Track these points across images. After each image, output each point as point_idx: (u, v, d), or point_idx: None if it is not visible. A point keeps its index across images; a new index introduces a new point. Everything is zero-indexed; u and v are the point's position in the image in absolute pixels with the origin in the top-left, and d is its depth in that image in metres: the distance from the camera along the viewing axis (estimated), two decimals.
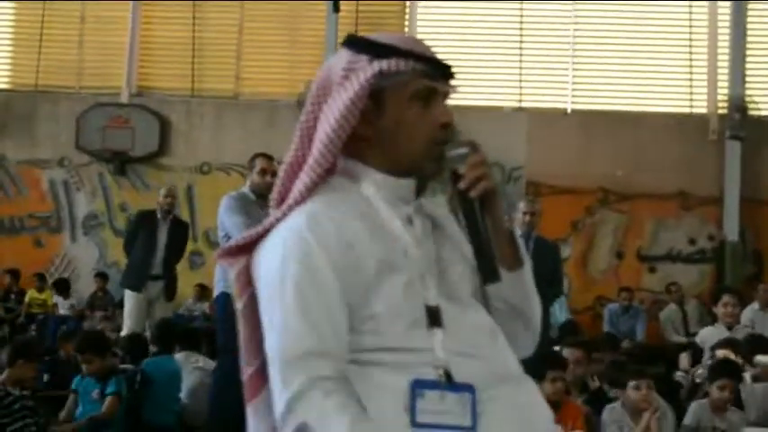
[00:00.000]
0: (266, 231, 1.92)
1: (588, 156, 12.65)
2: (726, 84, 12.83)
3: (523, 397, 1.90)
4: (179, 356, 6.94)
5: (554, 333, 8.23)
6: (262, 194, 5.90)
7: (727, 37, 12.87)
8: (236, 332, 1.98)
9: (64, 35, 13.68)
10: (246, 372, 1.95)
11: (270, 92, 13.28)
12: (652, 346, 9.47)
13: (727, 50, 12.85)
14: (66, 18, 13.67)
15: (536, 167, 12.71)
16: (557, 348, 6.59)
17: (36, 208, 13.36)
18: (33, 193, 13.37)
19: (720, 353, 6.53)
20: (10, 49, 14.01)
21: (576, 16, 13.30)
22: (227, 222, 5.96)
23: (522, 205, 7.66)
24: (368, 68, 1.88)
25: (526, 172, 12.77)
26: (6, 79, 13.92)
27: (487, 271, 1.89)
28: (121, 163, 13.07)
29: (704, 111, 13.01)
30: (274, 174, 5.87)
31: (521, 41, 13.19)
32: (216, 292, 6.21)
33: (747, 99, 12.74)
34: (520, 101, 13.18)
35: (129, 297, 8.82)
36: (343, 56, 1.94)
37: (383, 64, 1.88)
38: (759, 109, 12.90)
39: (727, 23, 12.88)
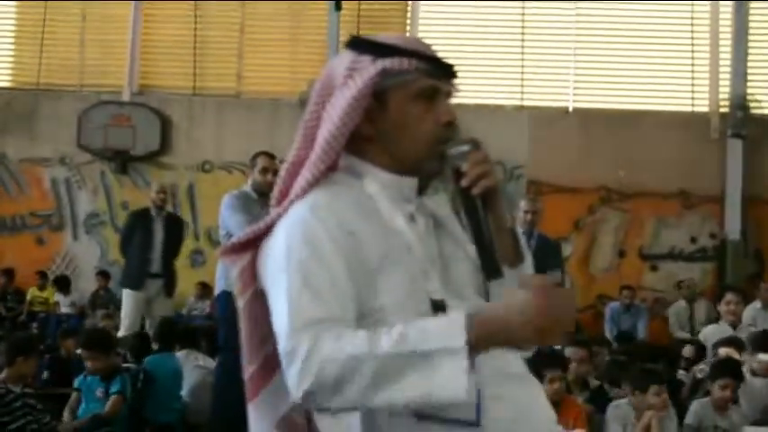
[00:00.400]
0: (269, 227, 1.93)
1: (590, 154, 12.65)
2: (727, 82, 12.83)
3: (527, 397, 1.93)
4: (180, 355, 6.95)
5: None
6: (263, 193, 5.90)
7: (728, 35, 12.87)
8: (237, 330, 1.99)
9: (65, 33, 13.68)
10: (248, 370, 1.96)
11: (271, 90, 13.28)
12: (654, 344, 9.45)
13: (728, 49, 12.85)
14: (67, 16, 13.66)
15: (537, 166, 12.71)
16: (558, 347, 6.59)
17: (38, 206, 13.36)
18: (35, 192, 13.37)
19: (723, 351, 6.53)
20: (12, 47, 14.02)
21: (578, 15, 13.28)
22: (228, 221, 5.97)
23: (523, 204, 7.67)
24: (371, 67, 1.90)
25: (527, 171, 12.76)
26: (8, 77, 13.93)
27: (490, 268, 1.89)
28: (123, 161, 13.07)
29: (706, 109, 13.00)
30: (276, 172, 5.87)
31: (522, 40, 13.18)
32: (217, 291, 6.22)
33: (749, 97, 12.74)
34: (521, 99, 13.17)
35: (128, 296, 8.82)
36: (347, 56, 1.95)
37: (386, 62, 1.89)
38: (761, 107, 12.89)
39: (729, 22, 12.89)
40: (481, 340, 1.68)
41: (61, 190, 13.34)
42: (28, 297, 12.52)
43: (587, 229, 12.83)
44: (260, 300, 1.94)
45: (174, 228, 9.16)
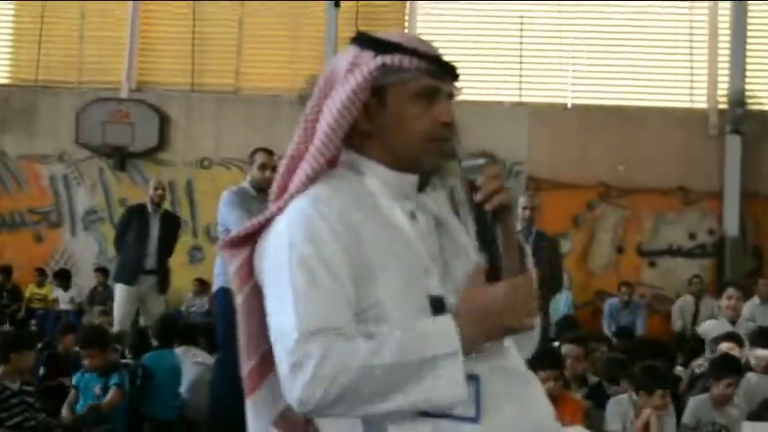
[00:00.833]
0: (268, 221, 1.93)
1: (588, 151, 12.65)
2: (726, 78, 12.83)
3: (527, 393, 1.93)
4: (178, 351, 6.94)
5: (552, 332, 8.23)
6: (262, 189, 5.90)
7: (727, 31, 12.87)
8: (235, 327, 1.98)
9: (64, 30, 13.66)
10: (246, 366, 1.96)
11: (270, 87, 13.27)
12: (653, 341, 9.45)
13: (727, 45, 12.85)
14: (66, 13, 13.64)
15: (536, 162, 12.71)
16: (555, 344, 6.60)
17: (36, 203, 13.36)
18: (33, 188, 13.37)
19: (723, 346, 6.53)
20: (10, 43, 14.00)
21: (577, 11, 13.28)
22: (227, 217, 5.97)
23: (521, 200, 7.69)
24: (371, 62, 1.90)
25: (526, 167, 12.76)
26: (6, 74, 13.91)
27: (495, 280, 1.89)
28: (121, 158, 13.07)
29: (704, 105, 13.00)
30: (274, 169, 5.86)
31: (521, 36, 13.17)
32: (215, 287, 6.22)
33: (748, 94, 12.74)
34: (520, 96, 13.16)
35: (121, 290, 8.81)
36: (350, 51, 1.96)
37: (387, 59, 1.90)
38: (759, 104, 12.89)
39: (728, 18, 12.88)
40: (469, 335, 1.76)
41: (59, 186, 13.34)
42: (26, 294, 12.51)
43: (586, 225, 12.84)
44: (258, 296, 1.93)
45: (170, 225, 9.15)
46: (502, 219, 1.91)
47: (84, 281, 12.80)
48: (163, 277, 8.91)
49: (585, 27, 13.31)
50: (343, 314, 1.78)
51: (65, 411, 5.98)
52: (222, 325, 5.98)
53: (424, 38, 2.05)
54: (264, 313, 1.89)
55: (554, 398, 4.84)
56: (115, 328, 8.41)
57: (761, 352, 6.28)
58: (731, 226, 12.48)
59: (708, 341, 7.32)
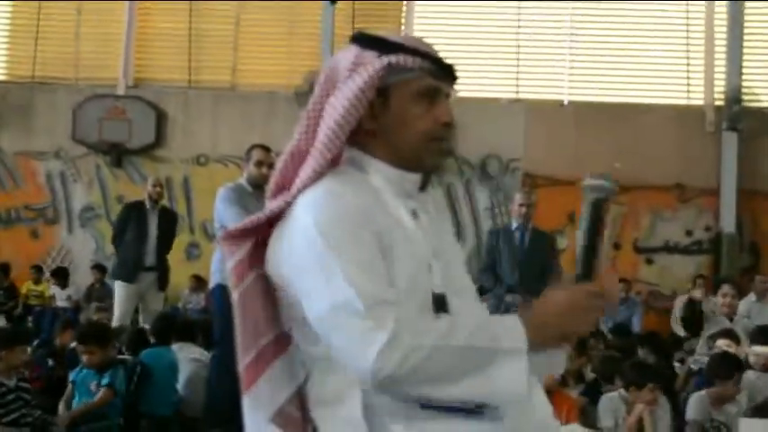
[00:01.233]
0: (274, 216, 1.94)
1: (585, 147, 12.64)
2: (723, 75, 12.84)
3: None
4: (175, 348, 6.94)
5: None
6: (258, 186, 5.90)
7: (723, 28, 12.88)
8: (232, 323, 1.98)
9: (61, 26, 13.65)
10: (242, 362, 1.96)
11: (267, 83, 13.26)
12: (650, 336, 9.45)
13: (724, 42, 12.86)
14: (62, 9, 13.63)
15: (533, 159, 12.72)
16: None
17: (32, 200, 13.35)
18: (30, 185, 13.36)
19: (721, 342, 6.54)
20: (7, 40, 13.98)
21: (573, 8, 13.28)
22: (223, 213, 5.97)
23: (518, 197, 7.71)
24: (377, 62, 1.93)
25: (523, 164, 12.77)
26: (3, 70, 13.90)
27: (587, 273, 1.92)
28: (118, 155, 13.06)
29: (701, 102, 13.01)
30: (271, 165, 5.88)
31: (518, 33, 13.18)
32: (212, 284, 6.22)
33: (744, 90, 12.74)
34: (517, 93, 13.17)
35: (121, 288, 8.80)
36: (352, 50, 1.98)
37: (392, 58, 1.93)
38: (756, 100, 12.90)
39: (724, 15, 12.89)
40: (535, 338, 1.77)
41: (56, 183, 13.33)
42: (23, 291, 12.50)
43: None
44: (256, 291, 1.95)
45: (168, 221, 9.14)
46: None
47: (81, 278, 12.79)
48: (162, 274, 8.90)
49: (582, 24, 13.32)
50: (393, 290, 1.80)
51: (61, 408, 5.97)
52: (219, 321, 5.98)
53: (421, 34, 2.07)
54: (261, 309, 1.90)
55: (550, 393, 4.86)
56: (114, 324, 8.41)
57: (759, 349, 6.28)
58: (728, 223, 12.49)
59: (703, 336, 7.33)
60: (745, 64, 12.77)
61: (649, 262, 12.83)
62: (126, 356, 6.83)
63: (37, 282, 12.59)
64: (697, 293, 11.70)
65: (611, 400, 5.45)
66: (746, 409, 5.60)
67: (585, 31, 13.31)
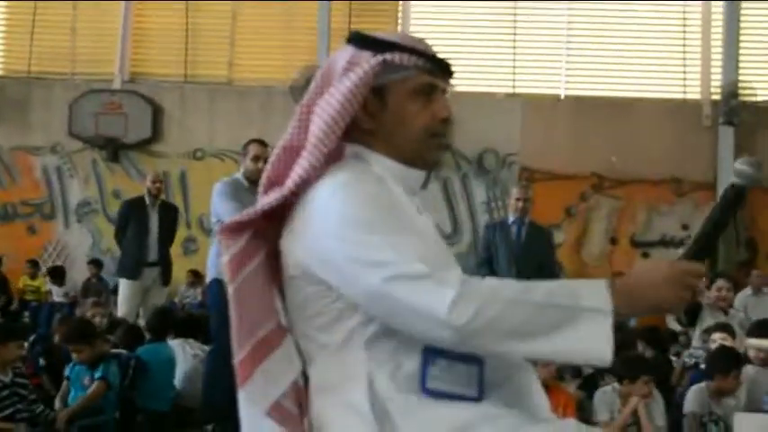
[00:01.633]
0: (272, 209, 1.96)
1: (582, 142, 12.66)
2: (719, 70, 12.84)
3: (526, 383, 1.98)
4: (173, 343, 6.94)
5: None
6: (255, 181, 5.88)
7: (720, 23, 12.88)
8: (228, 318, 1.98)
9: (57, 21, 13.63)
10: (238, 356, 1.96)
11: (263, 78, 13.25)
12: (648, 331, 9.46)
13: (720, 36, 12.86)
14: (58, 4, 13.61)
15: (530, 153, 12.72)
16: None
17: (29, 195, 13.34)
18: (26, 180, 13.35)
19: (717, 336, 6.54)
20: (3, 35, 13.97)
21: (570, 2, 13.27)
22: (219, 208, 5.96)
23: (515, 191, 7.72)
24: (372, 59, 1.95)
25: (519, 158, 12.78)
26: None
27: (706, 251, 1.97)
28: (114, 149, 13.05)
29: (698, 96, 13.02)
30: (267, 160, 5.86)
31: (515, 27, 13.18)
32: (208, 279, 6.21)
33: (741, 85, 12.75)
34: (513, 87, 13.17)
35: (125, 285, 8.79)
36: (347, 50, 2.01)
37: (386, 55, 1.95)
38: (753, 94, 12.90)
39: (721, 9, 12.89)
40: (621, 304, 1.75)
41: (53, 178, 13.32)
42: (20, 285, 12.49)
43: (579, 216, 12.86)
44: (251, 286, 1.96)
45: (168, 215, 9.12)
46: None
47: (78, 273, 12.79)
48: (166, 269, 8.89)
49: (579, 18, 13.31)
50: (445, 252, 1.90)
51: (57, 403, 5.97)
52: (215, 316, 5.98)
53: (418, 28, 2.09)
54: (256, 303, 1.92)
55: (547, 388, 4.86)
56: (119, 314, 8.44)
57: (755, 341, 6.27)
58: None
59: (698, 329, 7.33)
60: (741, 58, 12.78)
61: (646, 256, 12.83)
62: (121, 351, 6.81)
63: (33, 277, 12.58)
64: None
65: (606, 394, 5.46)
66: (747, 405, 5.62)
67: (582, 25, 13.31)
